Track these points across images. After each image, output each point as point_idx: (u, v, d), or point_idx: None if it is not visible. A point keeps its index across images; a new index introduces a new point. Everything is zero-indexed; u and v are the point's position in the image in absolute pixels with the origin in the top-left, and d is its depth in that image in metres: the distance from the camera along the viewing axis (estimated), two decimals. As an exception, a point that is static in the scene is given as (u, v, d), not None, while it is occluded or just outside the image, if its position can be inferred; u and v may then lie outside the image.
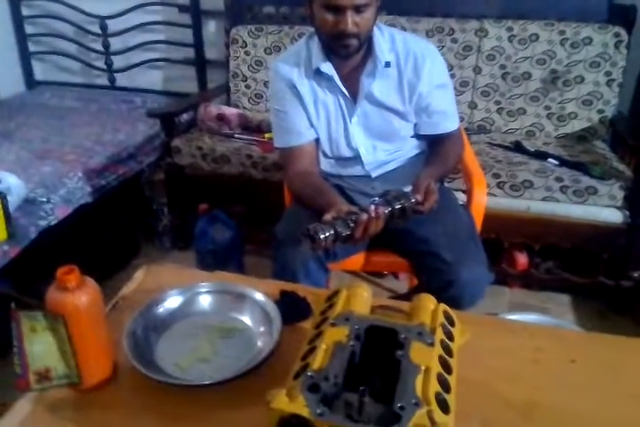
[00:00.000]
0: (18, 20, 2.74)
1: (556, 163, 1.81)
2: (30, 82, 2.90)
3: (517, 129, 2.13)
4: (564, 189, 1.71)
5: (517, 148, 1.94)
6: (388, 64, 1.23)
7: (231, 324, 0.97)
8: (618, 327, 1.77)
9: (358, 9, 1.10)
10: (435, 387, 0.66)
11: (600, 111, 2.03)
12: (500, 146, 1.98)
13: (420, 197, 1.08)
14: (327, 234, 0.99)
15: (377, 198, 1.08)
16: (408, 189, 1.10)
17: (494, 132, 2.15)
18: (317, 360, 0.69)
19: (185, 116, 2.31)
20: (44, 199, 1.71)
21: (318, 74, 1.25)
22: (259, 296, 0.98)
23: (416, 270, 1.29)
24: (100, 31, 2.66)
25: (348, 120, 1.29)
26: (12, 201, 1.58)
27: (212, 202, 1.98)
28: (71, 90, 2.85)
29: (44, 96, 2.77)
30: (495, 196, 1.75)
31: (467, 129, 2.15)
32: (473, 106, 2.15)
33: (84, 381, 0.80)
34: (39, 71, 2.93)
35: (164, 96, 2.69)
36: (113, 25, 2.64)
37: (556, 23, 2.02)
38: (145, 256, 2.14)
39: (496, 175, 1.75)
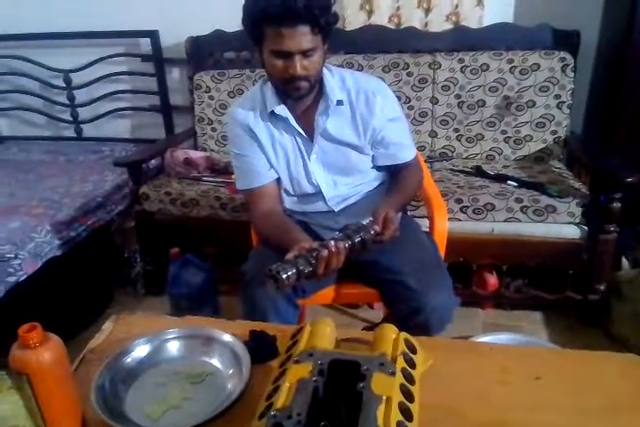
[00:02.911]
0: (-19, 79, 2.78)
1: (516, 184, 1.87)
2: (-4, 138, 2.92)
3: (478, 154, 2.21)
4: (524, 210, 1.76)
5: (478, 172, 2.00)
6: (339, 102, 1.27)
7: (201, 368, 0.97)
8: (590, 341, 1.80)
9: (306, 53, 1.14)
10: (396, 416, 0.67)
11: (553, 132, 2.12)
12: (461, 171, 2.04)
13: (378, 228, 1.10)
14: (289, 273, 1.00)
15: (337, 233, 1.11)
16: (367, 220, 1.13)
17: (456, 158, 2.22)
18: (281, 399, 0.70)
19: (153, 163, 2.34)
20: (12, 255, 1.69)
21: (274, 116, 1.29)
22: (227, 338, 0.99)
23: (385, 299, 1.31)
24: (64, 85, 2.71)
25: (306, 158, 1.32)
26: (-21, 260, 1.57)
27: (184, 246, 1.98)
28: (38, 143, 2.86)
29: (10, 151, 2.79)
30: (459, 220, 1.79)
31: (429, 157, 2.22)
32: (433, 135, 2.22)
33: (52, 438, 0.79)
34: (5, 127, 2.95)
35: (132, 144, 2.72)
36: (77, 78, 2.68)
37: (504, 53, 2.13)
38: (119, 304, 2.12)
39: (458, 200, 1.80)
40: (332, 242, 1.05)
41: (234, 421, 0.83)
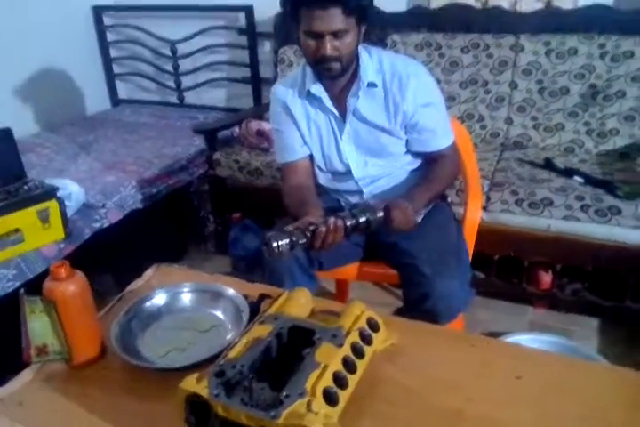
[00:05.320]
0: (104, 46, 3.11)
1: (582, 181, 1.76)
2: (115, 100, 3.27)
3: (555, 145, 2.09)
4: (584, 208, 1.67)
5: (547, 164, 1.91)
6: (371, 84, 1.29)
7: (209, 319, 1.09)
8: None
9: (337, 34, 1.18)
10: (326, 382, 0.74)
11: (643, 127, 1.95)
12: (530, 163, 1.96)
13: (381, 215, 1.14)
14: (280, 242, 1.08)
15: (345, 211, 1.17)
16: (378, 204, 1.17)
17: (531, 148, 2.12)
18: (234, 351, 0.80)
19: (237, 131, 2.50)
20: (100, 204, 1.95)
21: (310, 95, 1.35)
22: (233, 295, 1.10)
23: (401, 282, 1.34)
24: (170, 54, 2.95)
25: (339, 137, 1.37)
26: (71, 206, 1.83)
27: (250, 212, 2.14)
28: (148, 107, 3.16)
29: (124, 113, 3.11)
30: (514, 213, 1.75)
31: (502, 145, 2.15)
32: (509, 121, 2.14)
33: (73, 358, 0.95)
34: (122, 90, 3.29)
35: (224, 112, 2.91)
36: (182, 48, 2.91)
37: (595, 36, 1.98)
38: (190, 259, 2.35)
39: (514, 193, 1.75)
40: (333, 219, 1.11)
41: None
